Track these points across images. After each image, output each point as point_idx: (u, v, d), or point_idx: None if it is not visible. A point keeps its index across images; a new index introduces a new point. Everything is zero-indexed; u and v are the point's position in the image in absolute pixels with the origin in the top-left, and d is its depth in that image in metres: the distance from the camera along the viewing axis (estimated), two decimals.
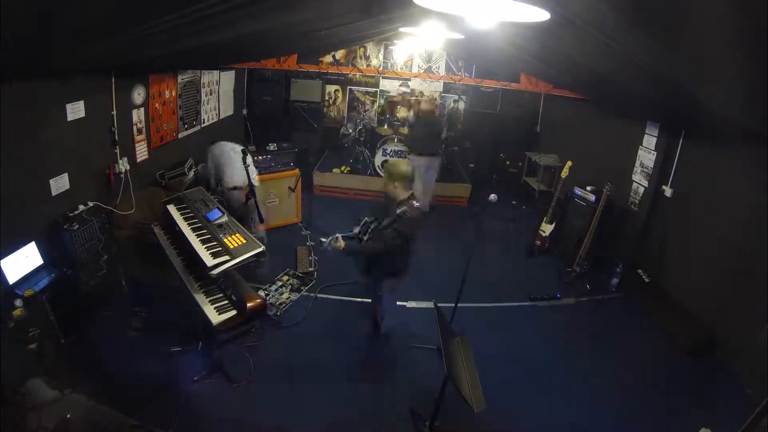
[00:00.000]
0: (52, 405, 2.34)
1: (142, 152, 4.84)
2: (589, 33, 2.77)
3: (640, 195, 5.53)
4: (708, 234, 4.51)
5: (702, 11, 1.84)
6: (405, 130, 8.23)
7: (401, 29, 5.96)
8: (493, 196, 3.82)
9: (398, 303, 4.77)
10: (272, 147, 6.05)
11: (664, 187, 5.19)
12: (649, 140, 5.43)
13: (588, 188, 5.81)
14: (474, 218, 3.57)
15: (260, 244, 3.46)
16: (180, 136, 5.76)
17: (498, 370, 3.94)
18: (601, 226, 5.42)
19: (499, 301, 5.02)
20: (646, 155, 5.45)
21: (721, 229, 4.34)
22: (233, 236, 3.52)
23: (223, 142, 5.27)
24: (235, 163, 4.83)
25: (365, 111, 8.99)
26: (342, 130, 8.37)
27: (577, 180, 5.98)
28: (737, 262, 4.14)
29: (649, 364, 4.24)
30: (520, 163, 8.67)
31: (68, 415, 2.30)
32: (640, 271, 5.31)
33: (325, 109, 8.95)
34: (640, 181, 5.54)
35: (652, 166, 5.35)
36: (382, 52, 8.57)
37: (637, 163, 5.61)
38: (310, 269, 5.21)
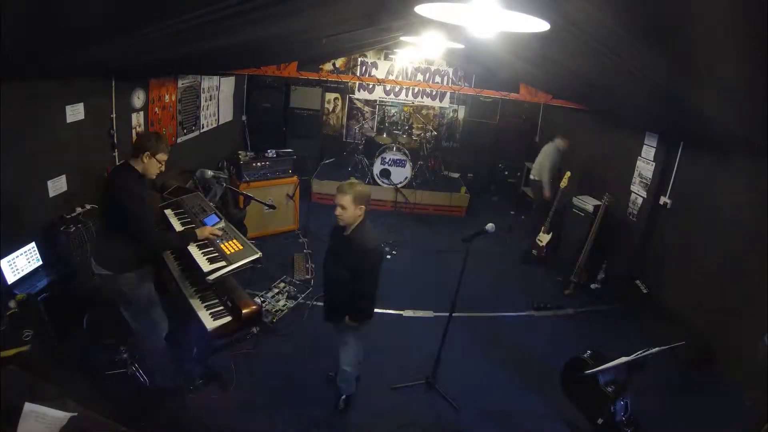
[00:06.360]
0: None
1: None
2: (588, 44, 2.79)
3: (639, 206, 5.53)
4: (706, 245, 4.50)
5: (701, 22, 1.85)
6: (404, 139, 8.21)
7: (402, 38, 6.00)
8: (490, 226, 3.40)
9: (395, 312, 4.74)
10: (271, 154, 6.05)
11: (662, 197, 5.19)
12: (648, 151, 5.44)
13: (586, 198, 5.82)
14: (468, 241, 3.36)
15: (257, 250, 3.43)
16: (179, 141, 5.75)
17: (497, 378, 3.91)
18: (599, 237, 5.42)
19: (497, 310, 4.99)
20: (645, 166, 5.46)
21: (720, 240, 4.33)
22: (230, 242, 3.49)
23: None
24: None
25: (364, 120, 9.01)
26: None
27: (576, 190, 5.98)
28: (736, 274, 4.12)
29: (648, 376, 4.20)
30: (519, 173, 8.70)
31: None
32: (638, 282, 5.29)
33: (324, 117, 8.97)
34: (638, 192, 5.54)
35: (650, 176, 5.36)
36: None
37: (636, 174, 5.61)
38: (307, 276, 5.17)
